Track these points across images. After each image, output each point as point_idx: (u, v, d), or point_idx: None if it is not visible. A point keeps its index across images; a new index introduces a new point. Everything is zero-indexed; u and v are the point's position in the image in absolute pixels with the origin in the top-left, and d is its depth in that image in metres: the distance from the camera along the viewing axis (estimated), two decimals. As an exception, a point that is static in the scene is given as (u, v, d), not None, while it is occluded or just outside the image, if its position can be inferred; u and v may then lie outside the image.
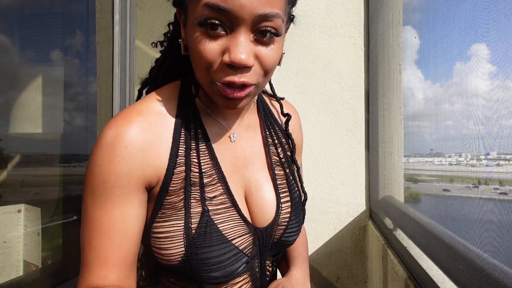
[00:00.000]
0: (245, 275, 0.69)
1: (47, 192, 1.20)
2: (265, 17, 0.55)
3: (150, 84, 0.74)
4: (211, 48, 0.56)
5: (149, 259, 0.72)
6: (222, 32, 0.55)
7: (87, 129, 1.31)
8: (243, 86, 0.58)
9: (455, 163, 0.95)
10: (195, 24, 0.56)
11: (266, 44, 0.58)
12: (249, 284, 0.71)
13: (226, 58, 0.55)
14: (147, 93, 0.73)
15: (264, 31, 0.56)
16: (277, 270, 0.84)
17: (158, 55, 0.75)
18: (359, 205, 1.86)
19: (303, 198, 0.79)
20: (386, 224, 1.49)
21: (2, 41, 1.01)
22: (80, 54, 1.28)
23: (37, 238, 1.03)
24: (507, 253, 0.64)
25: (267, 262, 0.75)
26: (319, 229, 1.87)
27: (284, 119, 0.80)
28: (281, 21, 0.57)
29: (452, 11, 0.96)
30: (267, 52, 0.58)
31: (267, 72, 0.60)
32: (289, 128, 0.80)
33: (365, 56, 1.86)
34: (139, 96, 0.75)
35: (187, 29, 0.60)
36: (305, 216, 0.79)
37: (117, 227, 0.58)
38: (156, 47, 0.75)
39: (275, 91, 0.82)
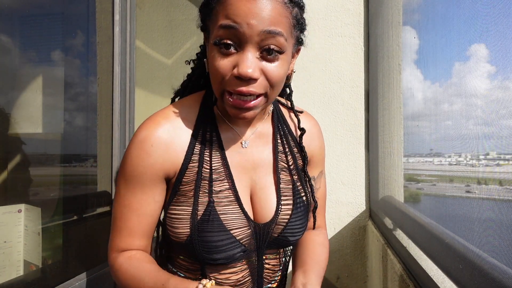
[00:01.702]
0: (243, 262, 0.79)
1: (48, 192, 1.20)
2: (269, 34, 0.64)
3: (180, 94, 0.87)
4: (224, 64, 0.67)
5: (166, 242, 0.84)
6: (233, 50, 0.66)
7: (87, 129, 1.31)
8: (250, 96, 0.68)
9: (454, 163, 0.95)
10: (212, 44, 0.68)
11: (271, 60, 0.67)
12: (247, 271, 0.80)
13: (235, 71, 0.66)
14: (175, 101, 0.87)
15: (268, 49, 0.66)
16: (288, 264, 0.90)
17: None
18: (359, 205, 1.86)
19: (313, 206, 0.86)
20: (386, 224, 1.49)
21: (3, 41, 1.01)
22: (80, 54, 1.28)
23: (38, 238, 1.03)
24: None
25: (269, 255, 0.83)
26: (319, 229, 1.87)
27: (299, 133, 0.86)
28: (283, 39, 0.66)
29: (451, 12, 0.96)
30: (272, 68, 0.68)
31: (273, 85, 0.69)
32: (309, 137, 0.88)
33: (365, 56, 1.86)
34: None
35: (208, 50, 0.71)
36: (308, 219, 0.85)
37: (142, 207, 0.75)
38: (189, 64, 0.87)
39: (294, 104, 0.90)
